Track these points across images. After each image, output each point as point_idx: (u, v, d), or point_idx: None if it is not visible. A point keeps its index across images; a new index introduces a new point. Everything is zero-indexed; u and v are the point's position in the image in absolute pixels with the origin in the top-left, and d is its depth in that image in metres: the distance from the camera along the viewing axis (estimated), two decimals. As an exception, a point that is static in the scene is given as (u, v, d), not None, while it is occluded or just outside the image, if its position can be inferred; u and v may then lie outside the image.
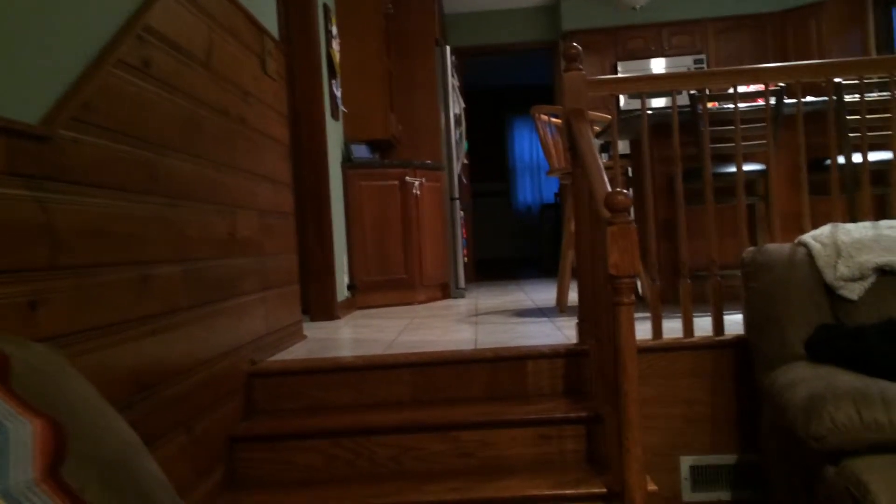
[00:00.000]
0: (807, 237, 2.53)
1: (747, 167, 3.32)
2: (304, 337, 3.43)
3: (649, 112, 3.46)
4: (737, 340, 2.67)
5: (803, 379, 2.06)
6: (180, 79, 2.19)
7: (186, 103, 2.22)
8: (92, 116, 1.67)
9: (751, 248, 2.59)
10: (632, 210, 4.26)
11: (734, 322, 2.88)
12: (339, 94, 4.76)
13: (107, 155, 1.73)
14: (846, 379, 1.98)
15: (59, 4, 1.60)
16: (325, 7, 4.60)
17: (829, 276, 2.40)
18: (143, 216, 1.89)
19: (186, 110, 2.22)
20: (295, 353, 2.95)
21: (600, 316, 2.31)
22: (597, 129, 4.02)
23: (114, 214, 1.74)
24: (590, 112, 3.47)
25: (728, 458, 2.67)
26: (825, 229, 2.53)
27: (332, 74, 4.58)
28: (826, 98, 2.96)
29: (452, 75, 5.63)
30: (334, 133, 4.60)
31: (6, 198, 1.36)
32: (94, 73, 1.68)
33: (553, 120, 4.09)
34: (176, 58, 2.17)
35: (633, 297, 1.97)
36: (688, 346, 2.68)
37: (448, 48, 5.50)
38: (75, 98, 1.60)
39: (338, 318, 4.23)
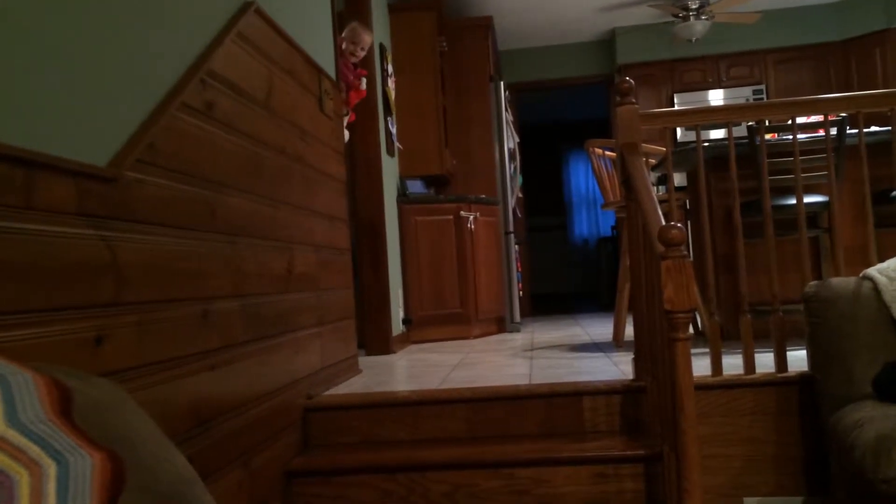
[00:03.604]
0: (872, 271, 2.45)
1: (809, 199, 3.24)
2: (360, 371, 3.46)
3: (706, 144, 3.42)
4: (801, 378, 2.58)
5: (871, 418, 1.98)
6: (240, 119, 2.26)
7: (246, 143, 2.29)
8: (156, 158, 1.73)
9: (814, 283, 2.52)
10: (690, 243, 4.20)
11: (798, 358, 2.79)
12: (394, 130, 4.84)
13: (169, 194, 1.79)
14: (918, 419, 1.90)
15: (129, 53, 1.67)
16: (381, 46, 4.71)
17: (897, 311, 2.31)
18: (203, 253, 1.95)
19: (246, 150, 2.29)
20: (350, 387, 2.98)
21: (656, 352, 2.27)
22: (652, 161, 3.99)
23: (175, 252, 1.80)
24: (645, 145, 3.45)
25: (794, 501, 2.57)
26: (892, 262, 2.45)
27: (387, 112, 4.67)
28: (890, 128, 2.89)
29: (506, 110, 5.67)
30: (390, 169, 4.67)
31: (74, 237, 1.42)
32: (159, 116, 1.76)
33: (608, 153, 4.08)
34: (237, 100, 2.24)
35: (689, 332, 1.93)
36: (749, 384, 2.61)
37: (502, 84, 5.55)
38: (141, 140, 1.67)
39: (393, 352, 4.25)
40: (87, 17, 1.53)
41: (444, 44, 5.45)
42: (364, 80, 3.96)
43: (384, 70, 4.69)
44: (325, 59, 3.35)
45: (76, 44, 1.49)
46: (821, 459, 2.55)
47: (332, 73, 3.45)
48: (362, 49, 3.92)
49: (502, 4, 6.27)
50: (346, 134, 3.86)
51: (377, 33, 4.64)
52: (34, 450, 0.72)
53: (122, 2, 1.67)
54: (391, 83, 4.83)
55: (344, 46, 3.84)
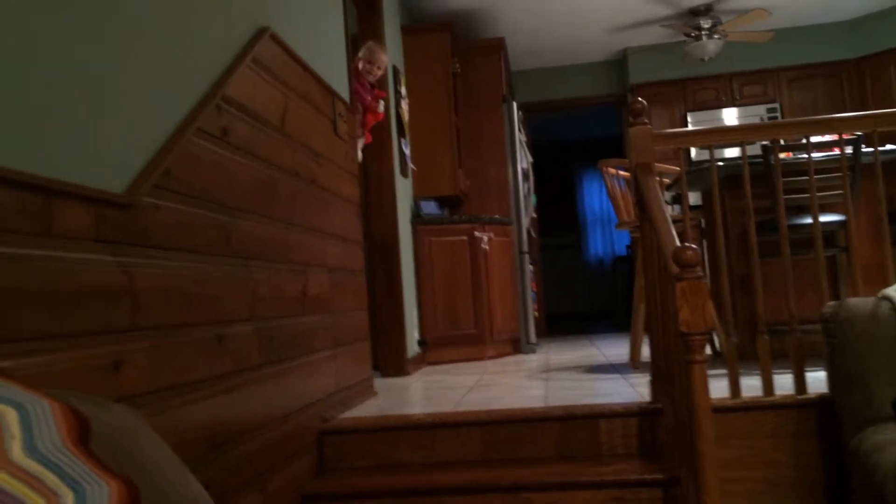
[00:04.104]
0: (891, 291, 2.42)
1: (826, 218, 3.22)
2: (375, 393, 3.45)
3: (720, 164, 3.41)
4: (820, 399, 2.55)
5: (893, 441, 1.96)
6: (255, 144, 2.28)
7: (261, 167, 2.31)
8: (172, 183, 1.75)
9: (831, 303, 2.49)
10: (705, 263, 4.18)
11: (817, 379, 2.76)
12: (408, 152, 4.86)
13: (185, 219, 1.81)
14: (941, 441, 1.87)
15: (146, 81, 1.70)
16: (395, 69, 4.74)
17: (917, 331, 2.28)
18: (219, 277, 1.96)
19: (261, 173, 2.31)
20: (365, 409, 2.97)
21: (673, 374, 2.25)
22: (666, 181, 3.98)
23: (191, 276, 1.81)
24: (658, 164, 3.45)
25: (816, 525, 2.53)
26: (911, 282, 2.42)
27: (401, 133, 4.69)
28: (907, 146, 2.87)
29: (520, 130, 5.69)
30: (403, 190, 4.69)
31: (92, 263, 1.43)
32: (175, 143, 1.77)
33: (621, 173, 4.07)
34: (252, 124, 2.26)
35: (705, 354, 1.91)
36: (768, 406, 2.58)
37: (515, 104, 5.57)
38: (158, 167, 1.69)
39: (408, 373, 4.24)
40: (104, 45, 1.55)
41: (457, 65, 5.49)
42: (382, 103, 3.98)
43: (397, 92, 4.73)
44: (339, 82, 3.38)
45: (94, 72, 1.51)
46: (843, 482, 2.51)
47: (346, 96, 3.48)
48: (379, 68, 3.95)
49: (514, 26, 6.31)
50: (360, 154, 3.88)
51: (391, 55, 4.67)
52: (51, 478, 0.73)
53: (138, 31, 1.69)
54: (404, 105, 4.86)
55: (361, 66, 3.87)
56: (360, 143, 3.91)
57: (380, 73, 3.97)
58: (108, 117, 1.54)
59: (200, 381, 1.81)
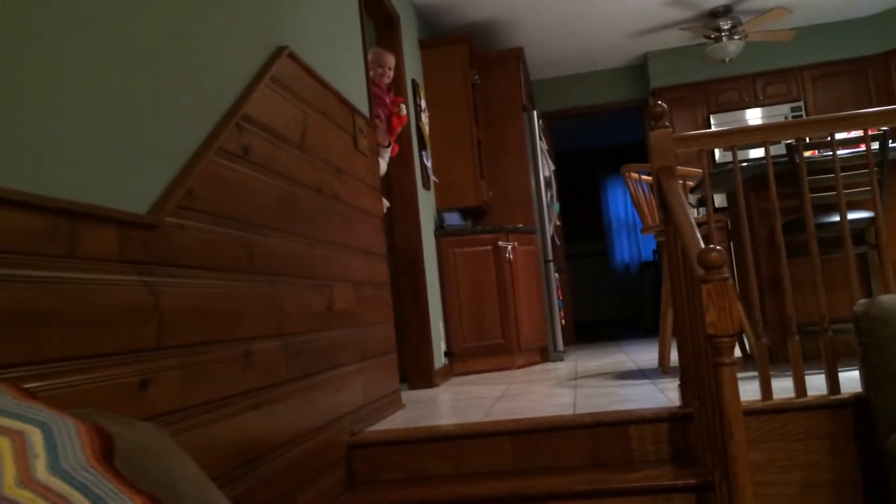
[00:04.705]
0: (924, 287, 2.38)
1: (854, 215, 3.17)
2: (403, 405, 3.45)
3: (745, 164, 3.38)
4: (855, 399, 2.50)
5: (931, 440, 1.91)
6: (276, 161, 2.31)
7: (282, 184, 2.33)
8: (195, 202, 1.77)
9: (863, 301, 2.45)
10: (733, 265, 4.13)
11: (851, 379, 2.71)
12: (429, 164, 4.88)
13: (209, 238, 1.83)
14: (980, 440, 1.82)
15: (168, 102, 1.72)
16: (414, 82, 4.77)
17: (952, 327, 2.23)
18: (244, 294, 1.98)
19: (282, 190, 2.33)
20: (394, 422, 2.97)
21: (702, 377, 2.23)
22: (690, 184, 3.95)
23: (216, 294, 1.83)
24: (682, 168, 3.42)
25: (855, 528, 2.48)
26: (944, 277, 2.37)
27: (422, 146, 4.71)
28: (935, 139, 2.82)
29: (541, 139, 5.68)
30: (426, 202, 4.70)
31: (118, 283, 1.45)
32: (197, 162, 1.80)
33: (644, 177, 4.05)
34: (272, 142, 2.29)
35: (734, 356, 1.89)
36: (801, 407, 2.53)
37: (535, 113, 5.57)
38: (180, 186, 1.71)
39: (436, 385, 4.23)
40: (124, 67, 1.58)
41: (476, 76, 5.50)
42: (403, 107, 4.01)
43: (417, 105, 4.75)
44: (359, 98, 3.40)
45: (115, 94, 1.54)
46: (879, 484, 2.46)
47: (366, 111, 3.50)
48: (389, 69, 4.00)
49: (533, 35, 6.32)
50: (383, 166, 3.90)
51: (409, 70, 4.70)
52: (76, 497, 0.74)
53: (158, 52, 1.72)
54: (424, 118, 4.88)
55: (371, 73, 3.90)
56: (387, 155, 3.94)
57: (391, 73, 4.02)
58: (131, 139, 1.57)
59: (228, 397, 1.83)
